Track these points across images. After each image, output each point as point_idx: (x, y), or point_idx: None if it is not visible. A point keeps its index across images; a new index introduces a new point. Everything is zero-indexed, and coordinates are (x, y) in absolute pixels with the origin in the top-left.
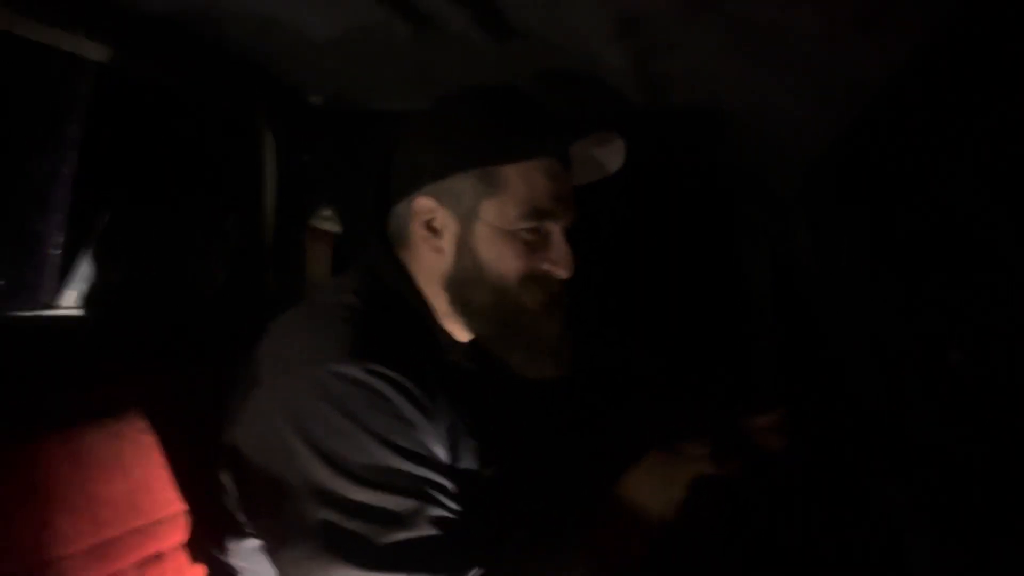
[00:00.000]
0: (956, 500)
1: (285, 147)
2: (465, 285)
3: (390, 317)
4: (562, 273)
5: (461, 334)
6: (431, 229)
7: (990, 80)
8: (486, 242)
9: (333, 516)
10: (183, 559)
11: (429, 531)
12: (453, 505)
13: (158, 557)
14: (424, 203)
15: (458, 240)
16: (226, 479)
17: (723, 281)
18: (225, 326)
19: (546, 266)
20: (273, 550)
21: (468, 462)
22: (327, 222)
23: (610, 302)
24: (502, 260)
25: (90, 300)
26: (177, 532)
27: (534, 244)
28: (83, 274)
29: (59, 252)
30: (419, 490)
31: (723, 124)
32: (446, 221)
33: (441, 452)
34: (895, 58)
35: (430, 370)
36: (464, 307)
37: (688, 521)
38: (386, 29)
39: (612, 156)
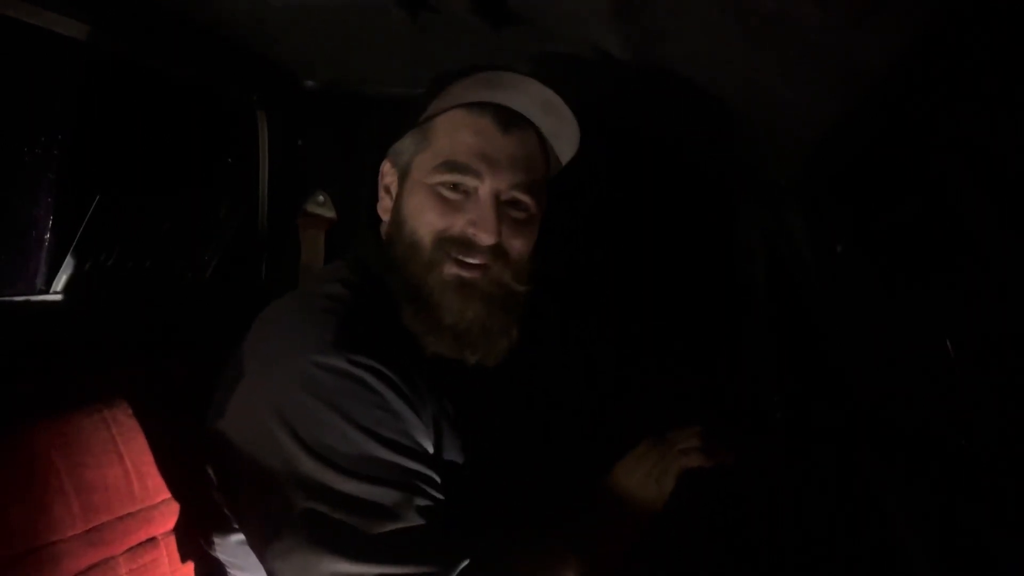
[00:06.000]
0: (954, 495)
1: (280, 132)
2: (391, 242)
3: (376, 306)
4: (483, 237)
5: None
6: (386, 191)
7: (989, 71)
8: (410, 195)
9: (320, 508)
10: (175, 545)
11: (418, 522)
12: (440, 496)
13: (151, 542)
14: (384, 166)
15: (396, 197)
16: (211, 471)
17: (717, 271)
18: (218, 314)
19: (467, 229)
20: (259, 544)
21: (453, 454)
22: (321, 208)
23: (602, 292)
24: (418, 213)
25: (81, 286)
26: (169, 518)
27: (455, 203)
28: (74, 260)
29: (50, 237)
30: (407, 481)
31: (721, 111)
32: (393, 180)
33: (426, 443)
34: (894, 47)
35: (414, 360)
36: (389, 267)
37: (678, 512)
38: (383, 12)
39: (566, 143)
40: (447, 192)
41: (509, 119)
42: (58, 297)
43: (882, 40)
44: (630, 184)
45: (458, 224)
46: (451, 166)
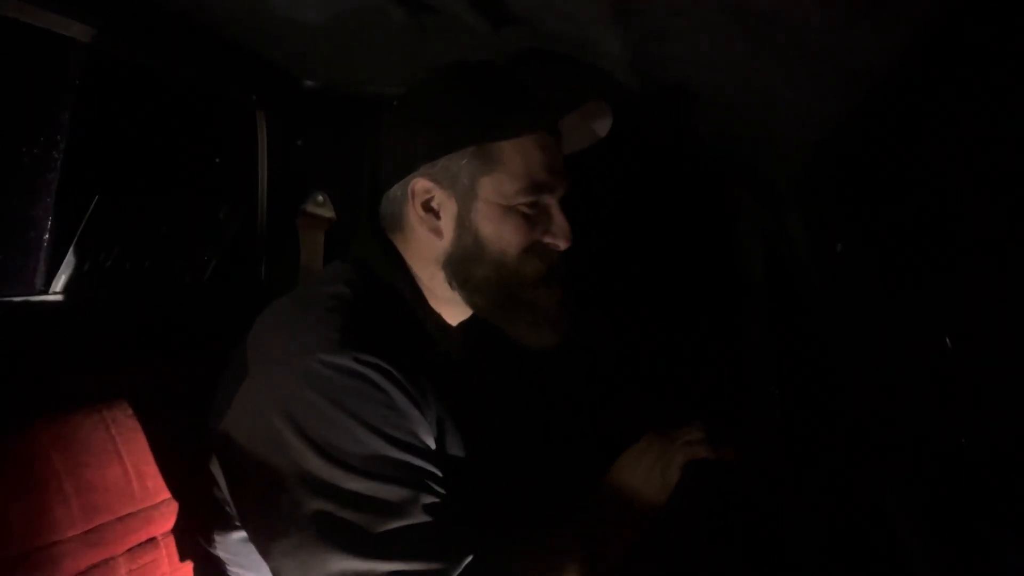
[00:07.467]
0: (954, 495)
1: (279, 132)
2: (465, 262)
3: (380, 307)
4: (562, 244)
5: (453, 317)
6: (429, 210)
7: (989, 71)
8: (486, 219)
9: (327, 506)
10: (175, 545)
11: (423, 519)
12: (445, 493)
13: (150, 543)
14: (421, 184)
15: (457, 219)
16: (215, 470)
17: (717, 271)
18: (217, 314)
19: (546, 239)
20: (264, 543)
21: (455, 452)
22: (320, 208)
23: (602, 292)
24: (503, 236)
25: (80, 286)
26: (169, 518)
27: (533, 218)
28: (73, 260)
29: (49, 237)
30: (412, 478)
31: (720, 111)
32: (444, 201)
33: (431, 441)
34: (894, 47)
35: (418, 360)
36: (464, 284)
37: (682, 506)
38: (381, 12)
39: (599, 123)
40: (528, 210)
41: (554, 126)
42: (57, 297)
43: (882, 40)
44: (630, 184)
45: (538, 236)
46: (536, 187)
